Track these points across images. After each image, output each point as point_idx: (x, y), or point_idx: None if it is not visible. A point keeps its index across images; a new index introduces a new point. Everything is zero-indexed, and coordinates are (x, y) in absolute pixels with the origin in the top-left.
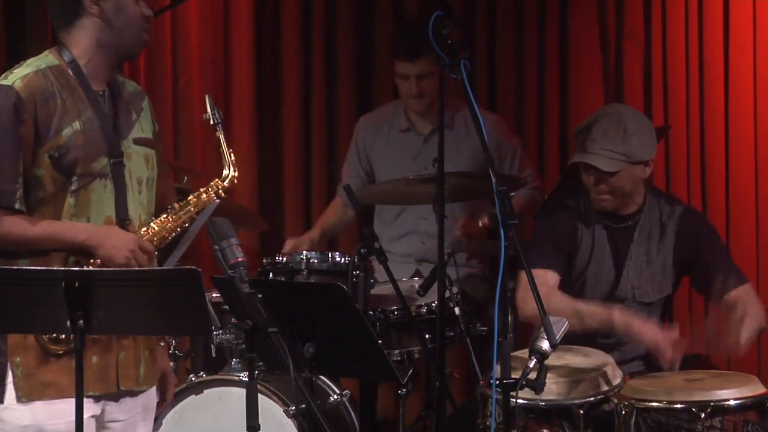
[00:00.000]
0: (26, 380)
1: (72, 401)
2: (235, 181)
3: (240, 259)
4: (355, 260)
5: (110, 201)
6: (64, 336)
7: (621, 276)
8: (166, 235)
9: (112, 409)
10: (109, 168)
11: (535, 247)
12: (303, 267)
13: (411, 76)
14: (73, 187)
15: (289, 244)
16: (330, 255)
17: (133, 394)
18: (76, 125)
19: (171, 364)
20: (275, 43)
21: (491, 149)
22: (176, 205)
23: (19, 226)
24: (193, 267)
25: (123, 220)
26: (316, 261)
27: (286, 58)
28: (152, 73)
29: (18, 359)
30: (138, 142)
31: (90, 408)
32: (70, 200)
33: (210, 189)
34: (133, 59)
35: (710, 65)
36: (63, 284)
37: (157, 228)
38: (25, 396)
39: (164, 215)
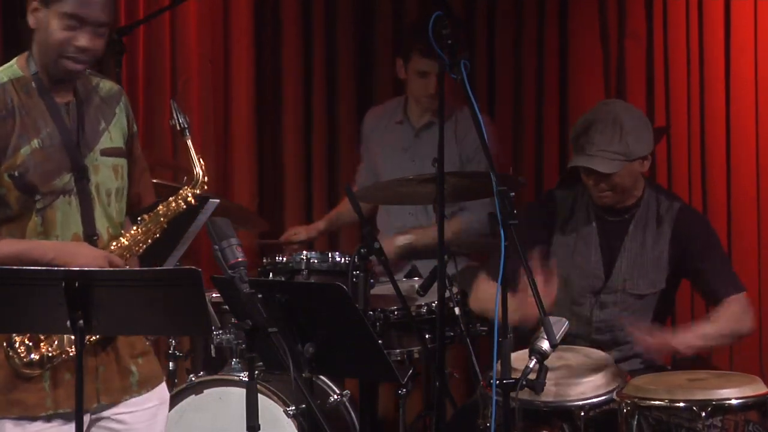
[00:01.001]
0: None
1: (37, 423)
2: (205, 186)
3: (240, 259)
4: (355, 260)
5: (76, 217)
6: (37, 359)
7: (613, 268)
8: (136, 248)
9: (113, 411)
10: (72, 183)
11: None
12: (303, 267)
13: (431, 74)
14: (38, 206)
15: (290, 231)
16: (330, 255)
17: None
18: (35, 143)
19: (171, 364)
20: (275, 42)
21: (472, 147)
22: (146, 217)
23: None
24: (193, 267)
25: (90, 236)
26: (316, 261)
27: (286, 57)
28: (151, 73)
29: None
30: (106, 153)
31: (62, 424)
32: (36, 219)
33: (179, 197)
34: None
35: (711, 65)
36: (63, 284)
37: (126, 242)
38: None
39: (134, 228)
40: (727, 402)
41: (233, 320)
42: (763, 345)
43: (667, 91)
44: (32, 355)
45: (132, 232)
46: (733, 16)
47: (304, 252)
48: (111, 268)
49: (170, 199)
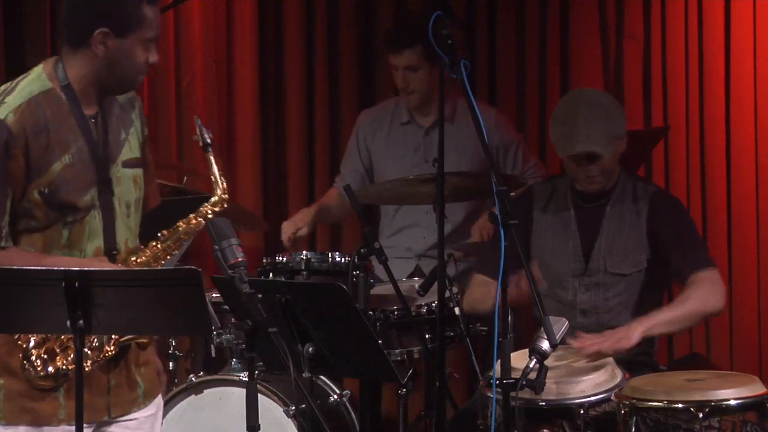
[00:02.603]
0: (8, 403)
1: (50, 430)
2: (225, 205)
3: (240, 259)
4: (355, 260)
5: (99, 230)
6: (53, 371)
7: (592, 250)
8: (155, 264)
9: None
10: (97, 197)
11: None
12: (303, 267)
13: (399, 68)
14: (68, 219)
15: (287, 227)
16: (330, 255)
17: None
18: (66, 159)
19: (171, 364)
20: (278, 42)
21: (493, 145)
22: (165, 233)
23: (7, 261)
24: (193, 267)
25: (111, 250)
26: (316, 261)
27: (289, 57)
28: (155, 73)
29: (2, 381)
30: (127, 164)
31: None
32: (64, 233)
33: (199, 214)
34: None
35: (710, 65)
36: (63, 284)
37: (145, 258)
38: (4, 419)
39: (153, 243)
40: (725, 403)
41: (233, 320)
42: (763, 345)
43: (665, 91)
44: (48, 368)
45: (151, 247)
46: (733, 16)
47: (304, 252)
48: (109, 269)
49: (191, 216)
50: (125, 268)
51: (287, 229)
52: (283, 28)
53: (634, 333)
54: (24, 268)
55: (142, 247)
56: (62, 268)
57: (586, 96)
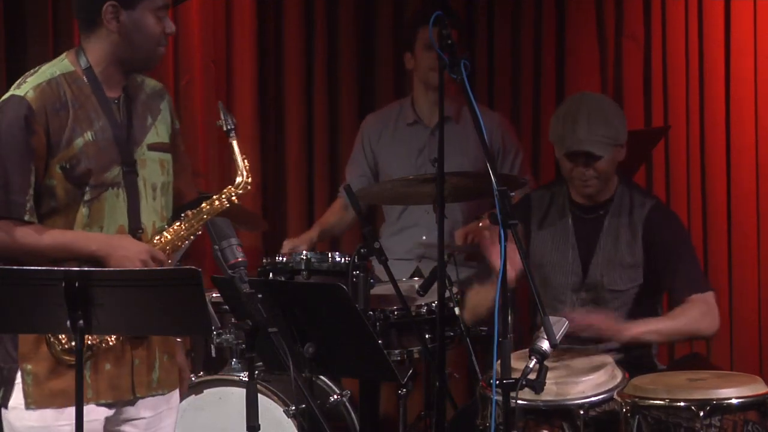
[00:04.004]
0: (36, 388)
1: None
2: (249, 187)
3: (240, 259)
4: (355, 260)
5: (123, 210)
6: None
7: (590, 265)
8: (179, 243)
9: (137, 408)
10: (121, 177)
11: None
12: (303, 267)
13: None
14: (86, 197)
15: (287, 245)
16: (330, 255)
17: (155, 395)
18: (88, 135)
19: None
20: (277, 43)
21: (494, 147)
22: (189, 213)
23: (30, 237)
24: (193, 267)
25: (135, 229)
26: (316, 261)
27: (288, 58)
28: (154, 73)
29: (29, 367)
30: (153, 147)
31: (102, 413)
32: (83, 210)
33: (223, 196)
34: None
35: (711, 66)
36: (63, 284)
37: (169, 237)
38: (34, 403)
39: (177, 223)
40: (726, 402)
41: (233, 320)
42: (763, 345)
43: (665, 91)
44: (73, 342)
45: (175, 227)
46: (733, 16)
47: (304, 252)
48: (110, 269)
49: (214, 197)
50: (125, 269)
51: (286, 247)
52: (282, 28)
53: (628, 332)
54: (24, 268)
55: (165, 227)
56: (62, 269)
57: (590, 99)
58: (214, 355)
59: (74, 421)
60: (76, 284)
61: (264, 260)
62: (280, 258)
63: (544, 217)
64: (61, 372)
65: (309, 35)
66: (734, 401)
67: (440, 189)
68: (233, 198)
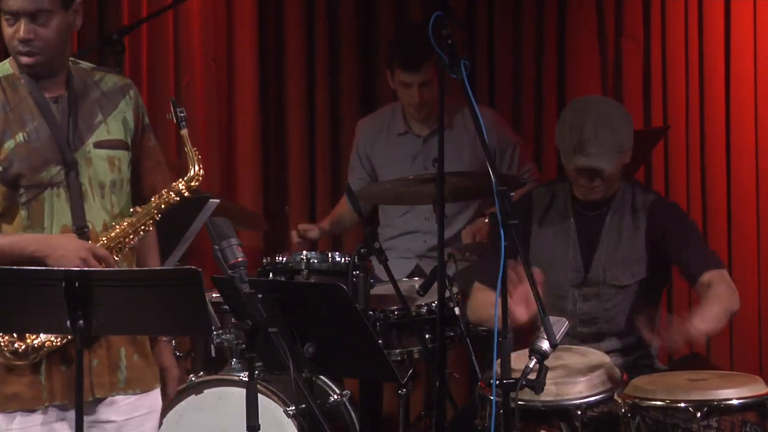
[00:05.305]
0: None
1: (33, 414)
2: (200, 179)
3: (240, 259)
4: (355, 260)
5: (66, 209)
6: (23, 348)
7: (592, 261)
8: (127, 240)
9: (104, 410)
10: (63, 176)
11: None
12: (303, 267)
13: (414, 85)
14: (23, 200)
15: (300, 226)
16: (330, 255)
17: (124, 395)
18: (20, 137)
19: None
20: (278, 42)
21: (491, 145)
22: (138, 209)
23: None
24: (193, 267)
25: (81, 228)
26: (316, 261)
27: (290, 57)
28: (154, 73)
29: None
30: (101, 145)
31: (58, 415)
32: (22, 213)
33: (171, 189)
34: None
35: (710, 65)
36: (63, 284)
37: (114, 234)
38: None
39: (126, 220)
40: (725, 402)
41: (233, 320)
42: (763, 345)
43: (665, 91)
44: (16, 345)
45: (124, 224)
46: (733, 16)
47: (304, 252)
48: (104, 268)
49: (162, 191)
50: (125, 269)
51: (299, 227)
52: (283, 27)
53: (703, 327)
54: (24, 268)
55: (113, 224)
56: (62, 269)
57: (595, 107)
58: (214, 355)
59: (24, 427)
60: (76, 284)
61: (264, 260)
62: (280, 258)
63: (545, 214)
64: (12, 377)
65: (310, 34)
66: (734, 402)
67: (440, 189)
68: (183, 191)
